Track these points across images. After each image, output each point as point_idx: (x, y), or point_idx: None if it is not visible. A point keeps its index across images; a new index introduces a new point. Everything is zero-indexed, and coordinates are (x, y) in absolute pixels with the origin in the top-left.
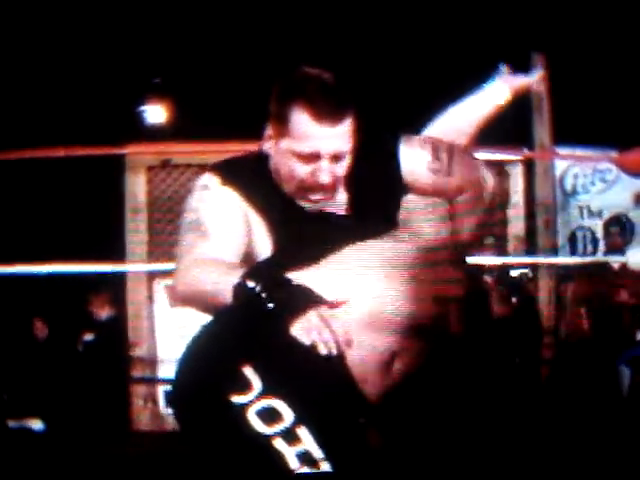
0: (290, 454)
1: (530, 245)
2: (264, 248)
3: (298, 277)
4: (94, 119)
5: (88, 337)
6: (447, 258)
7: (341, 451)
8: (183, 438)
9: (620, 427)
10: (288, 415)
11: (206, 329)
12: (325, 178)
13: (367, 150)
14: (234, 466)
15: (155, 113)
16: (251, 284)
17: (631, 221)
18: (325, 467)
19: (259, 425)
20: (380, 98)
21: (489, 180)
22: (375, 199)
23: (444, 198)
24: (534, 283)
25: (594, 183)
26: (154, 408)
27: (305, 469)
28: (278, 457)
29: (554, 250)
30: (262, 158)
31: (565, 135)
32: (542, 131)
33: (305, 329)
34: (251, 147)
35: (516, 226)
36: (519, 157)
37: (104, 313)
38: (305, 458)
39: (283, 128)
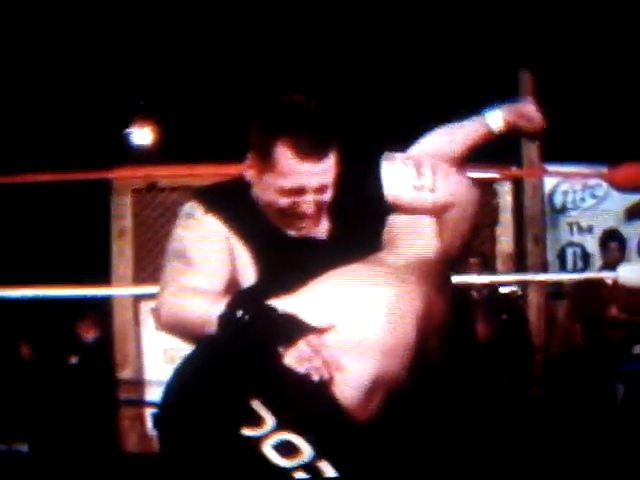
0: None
1: (519, 262)
2: (248, 276)
3: (283, 304)
4: (79, 141)
5: (74, 359)
6: (434, 276)
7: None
8: (163, 460)
9: (614, 443)
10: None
11: (192, 357)
12: (309, 210)
13: (349, 173)
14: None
15: (141, 135)
16: (237, 314)
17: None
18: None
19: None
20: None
21: (475, 194)
22: (358, 221)
23: (430, 215)
24: (523, 300)
25: (584, 199)
26: (141, 429)
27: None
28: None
29: (543, 267)
30: (245, 184)
31: (554, 152)
32: (530, 148)
33: (296, 358)
34: (236, 170)
35: (505, 243)
36: (507, 175)
37: (90, 335)
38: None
39: (265, 163)
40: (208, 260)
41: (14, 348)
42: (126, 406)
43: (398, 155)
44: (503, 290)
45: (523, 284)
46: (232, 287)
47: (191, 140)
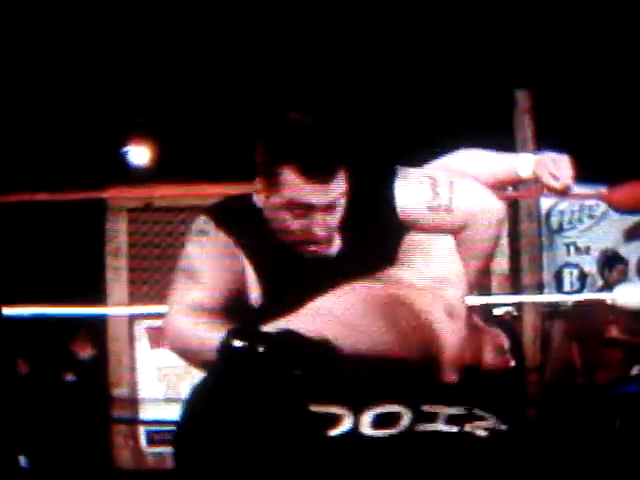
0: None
1: (515, 282)
2: (257, 294)
3: (290, 323)
4: (75, 160)
5: (70, 377)
6: (451, 295)
7: None
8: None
9: (611, 465)
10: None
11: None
12: (320, 233)
13: (360, 191)
14: None
15: (137, 154)
16: (237, 343)
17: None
18: None
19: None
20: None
21: (496, 208)
22: (370, 240)
23: (447, 234)
24: (519, 321)
25: (581, 219)
26: (135, 446)
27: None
28: None
29: (539, 287)
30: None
31: None
32: None
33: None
34: (234, 190)
35: (500, 263)
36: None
37: (85, 353)
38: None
39: (273, 185)
40: (217, 278)
41: (12, 365)
42: (120, 423)
43: (413, 171)
44: (498, 311)
45: (518, 304)
46: (241, 306)
47: (188, 159)
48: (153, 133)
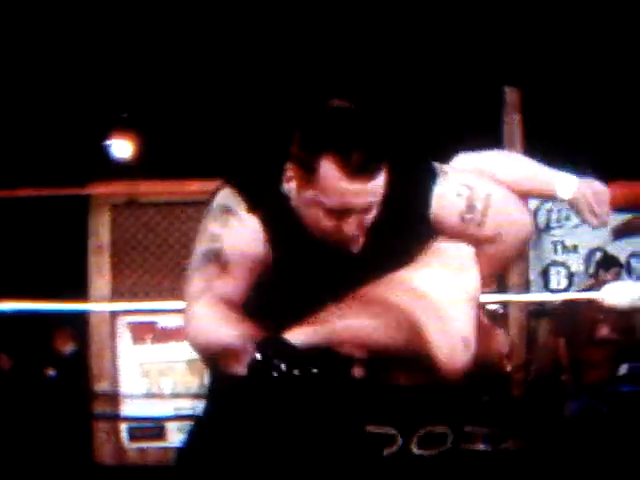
0: None
1: (501, 281)
2: (278, 285)
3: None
4: (58, 155)
5: (51, 372)
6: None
7: None
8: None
9: (595, 464)
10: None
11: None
12: (353, 232)
13: (396, 189)
14: None
15: (121, 148)
16: (273, 361)
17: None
18: None
19: None
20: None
21: (526, 224)
22: (397, 241)
23: (472, 244)
24: (505, 319)
25: (569, 217)
26: (116, 442)
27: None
28: None
29: (525, 286)
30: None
31: None
32: None
33: None
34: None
35: None
36: None
37: (67, 349)
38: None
39: (309, 178)
40: (248, 269)
41: None
42: (101, 419)
43: (456, 177)
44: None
45: (504, 303)
46: (258, 303)
47: (172, 154)
48: (136, 128)
